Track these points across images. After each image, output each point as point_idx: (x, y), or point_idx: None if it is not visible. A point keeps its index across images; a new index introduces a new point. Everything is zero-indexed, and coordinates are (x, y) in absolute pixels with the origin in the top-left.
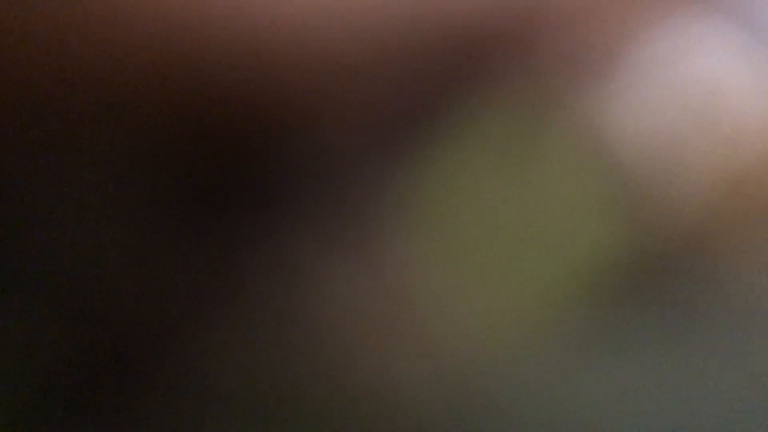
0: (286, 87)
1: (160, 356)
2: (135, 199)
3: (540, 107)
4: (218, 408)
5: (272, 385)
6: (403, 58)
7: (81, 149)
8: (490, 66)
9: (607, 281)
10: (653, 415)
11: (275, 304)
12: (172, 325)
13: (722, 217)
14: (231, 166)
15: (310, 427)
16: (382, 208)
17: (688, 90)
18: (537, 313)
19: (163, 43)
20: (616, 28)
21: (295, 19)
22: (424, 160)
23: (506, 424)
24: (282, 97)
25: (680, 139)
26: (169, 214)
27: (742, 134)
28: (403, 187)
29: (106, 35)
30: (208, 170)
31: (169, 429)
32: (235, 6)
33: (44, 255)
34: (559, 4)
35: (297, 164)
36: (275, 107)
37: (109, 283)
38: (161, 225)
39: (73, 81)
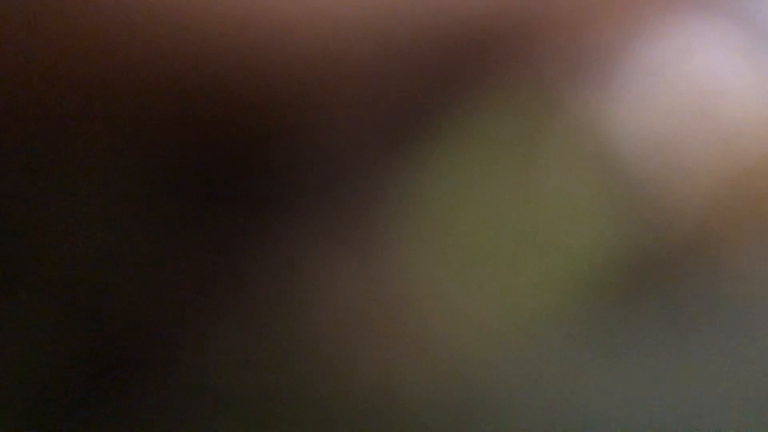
0: (287, 87)
1: (161, 356)
2: (135, 199)
3: (541, 107)
4: (218, 408)
5: (273, 384)
6: (404, 58)
7: (81, 150)
8: (491, 66)
9: (608, 280)
10: (654, 414)
11: (275, 304)
12: (173, 325)
13: (722, 216)
14: (231, 167)
15: (310, 427)
16: (383, 208)
17: (688, 90)
18: (538, 311)
19: (164, 43)
20: (616, 28)
21: (295, 20)
22: (425, 159)
23: (507, 424)
24: (282, 97)
25: (680, 139)
26: (170, 214)
27: (742, 134)
28: (403, 186)
29: (106, 35)
30: (209, 170)
31: (170, 429)
32: (235, 7)
33: (45, 255)
34: (559, 4)
35: (298, 164)
36: (276, 108)
37: (110, 283)
38: (162, 225)
39: (73, 81)
